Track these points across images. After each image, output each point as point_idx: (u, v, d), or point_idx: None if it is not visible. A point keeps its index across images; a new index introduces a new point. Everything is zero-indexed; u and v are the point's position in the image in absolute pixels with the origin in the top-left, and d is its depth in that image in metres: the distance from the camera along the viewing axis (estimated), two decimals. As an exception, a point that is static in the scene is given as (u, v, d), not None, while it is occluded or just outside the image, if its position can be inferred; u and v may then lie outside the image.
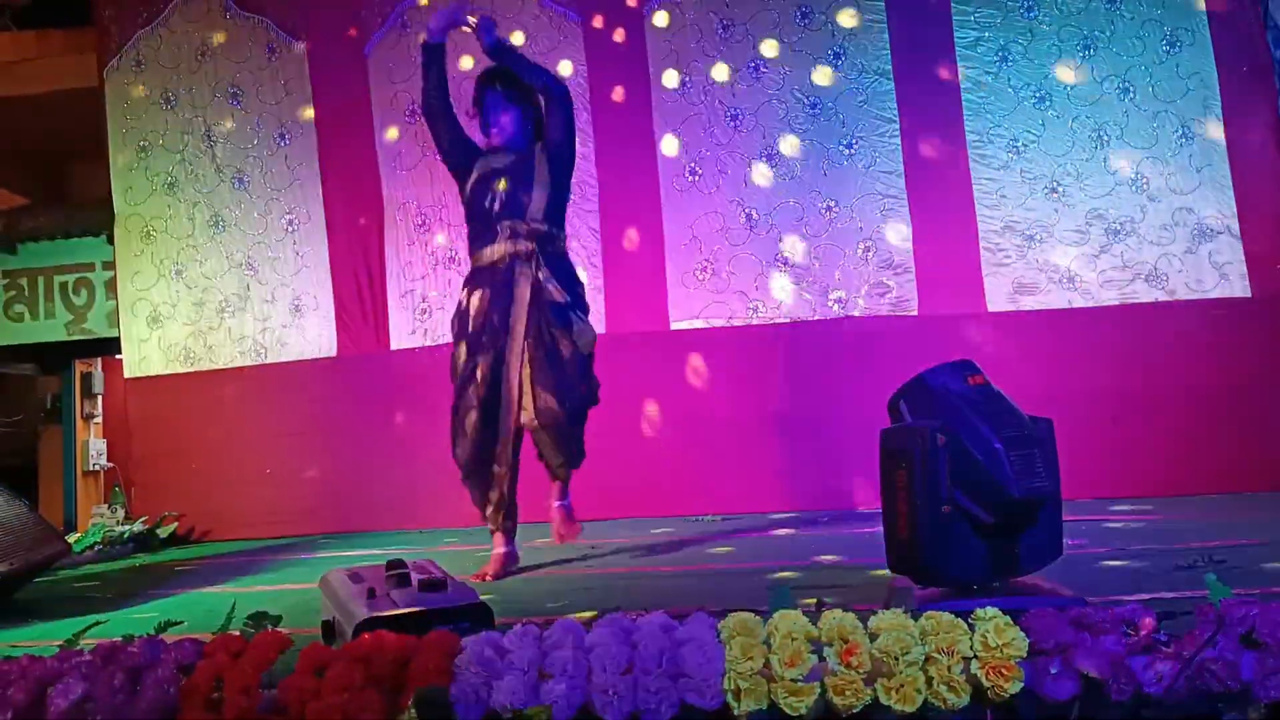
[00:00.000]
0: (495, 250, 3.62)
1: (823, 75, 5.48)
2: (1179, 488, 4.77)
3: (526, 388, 3.56)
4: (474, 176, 3.73)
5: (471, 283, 3.70)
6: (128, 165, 6.16)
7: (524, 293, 3.56)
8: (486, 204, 3.65)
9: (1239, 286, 5.08)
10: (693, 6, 5.61)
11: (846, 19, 5.47)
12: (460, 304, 3.73)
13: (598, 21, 5.71)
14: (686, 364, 5.43)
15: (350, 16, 5.98)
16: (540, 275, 3.57)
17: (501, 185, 3.64)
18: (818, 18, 5.50)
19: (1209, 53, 5.20)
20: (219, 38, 6.11)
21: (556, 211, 3.71)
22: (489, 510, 3.66)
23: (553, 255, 3.66)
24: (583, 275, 4.11)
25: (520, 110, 3.74)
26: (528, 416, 3.57)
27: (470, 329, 3.64)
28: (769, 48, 5.52)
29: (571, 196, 3.92)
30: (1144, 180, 5.20)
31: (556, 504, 3.81)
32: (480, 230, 3.68)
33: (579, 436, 3.74)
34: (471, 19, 3.73)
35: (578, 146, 3.90)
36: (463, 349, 3.67)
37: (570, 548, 3.97)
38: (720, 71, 5.56)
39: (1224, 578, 2.00)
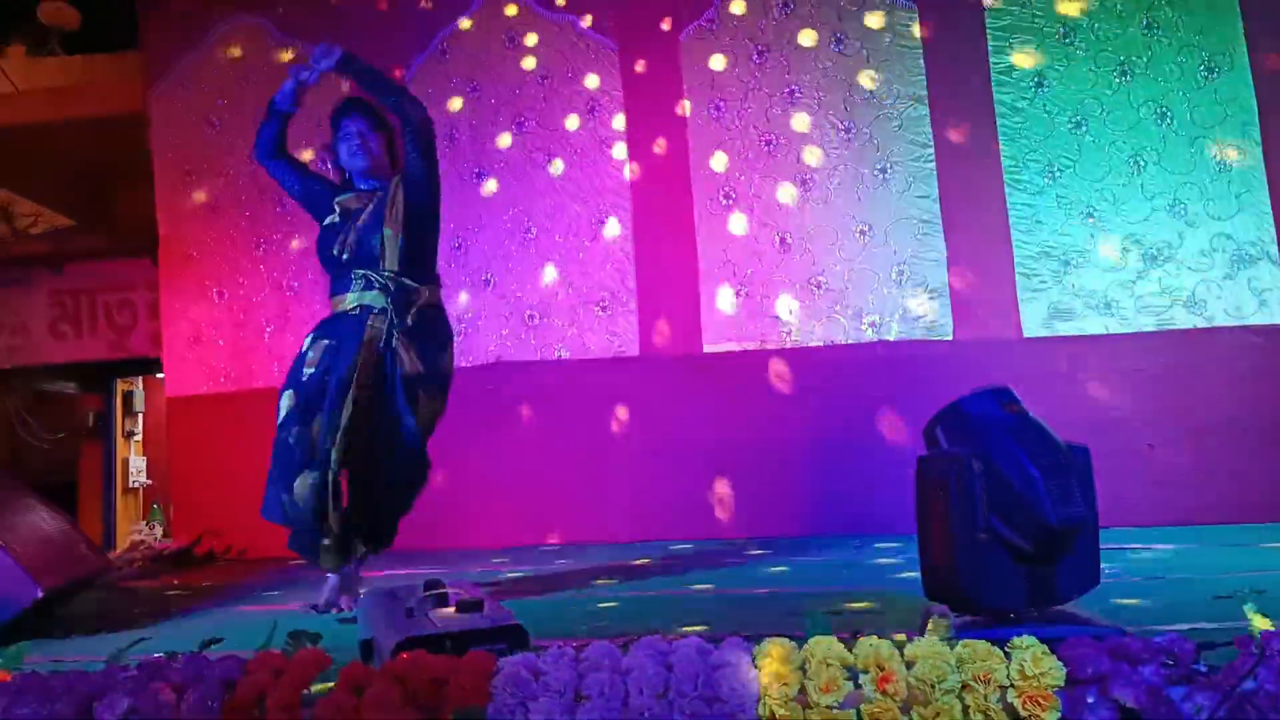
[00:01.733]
0: (345, 300, 3.31)
1: (857, 100, 5.50)
2: (1218, 516, 4.72)
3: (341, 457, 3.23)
4: (327, 220, 3.40)
5: (318, 329, 3.37)
6: (172, 188, 6.27)
7: (367, 356, 3.24)
8: (335, 251, 3.31)
9: (1278, 313, 5.03)
10: (727, 32, 5.66)
11: (881, 44, 5.50)
12: (302, 347, 3.37)
13: (633, 48, 5.76)
14: (719, 387, 5.43)
15: (390, 43, 6.07)
16: (394, 337, 3.25)
17: (353, 229, 3.31)
18: (852, 43, 5.53)
19: (1248, 79, 5.18)
20: (262, 63, 6.21)
21: (419, 257, 3.35)
22: (323, 555, 3.37)
23: (415, 311, 3.30)
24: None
25: (377, 140, 3.43)
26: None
27: (301, 379, 3.30)
28: (804, 73, 5.55)
29: (440, 241, 3.58)
30: (1182, 206, 5.17)
31: (348, 570, 3.41)
32: (335, 278, 3.36)
33: (394, 519, 3.45)
34: (307, 69, 3.43)
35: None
36: (287, 399, 3.31)
37: (605, 568, 3.97)
38: (755, 96, 5.59)
39: (1264, 608, 1.98)
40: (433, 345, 3.35)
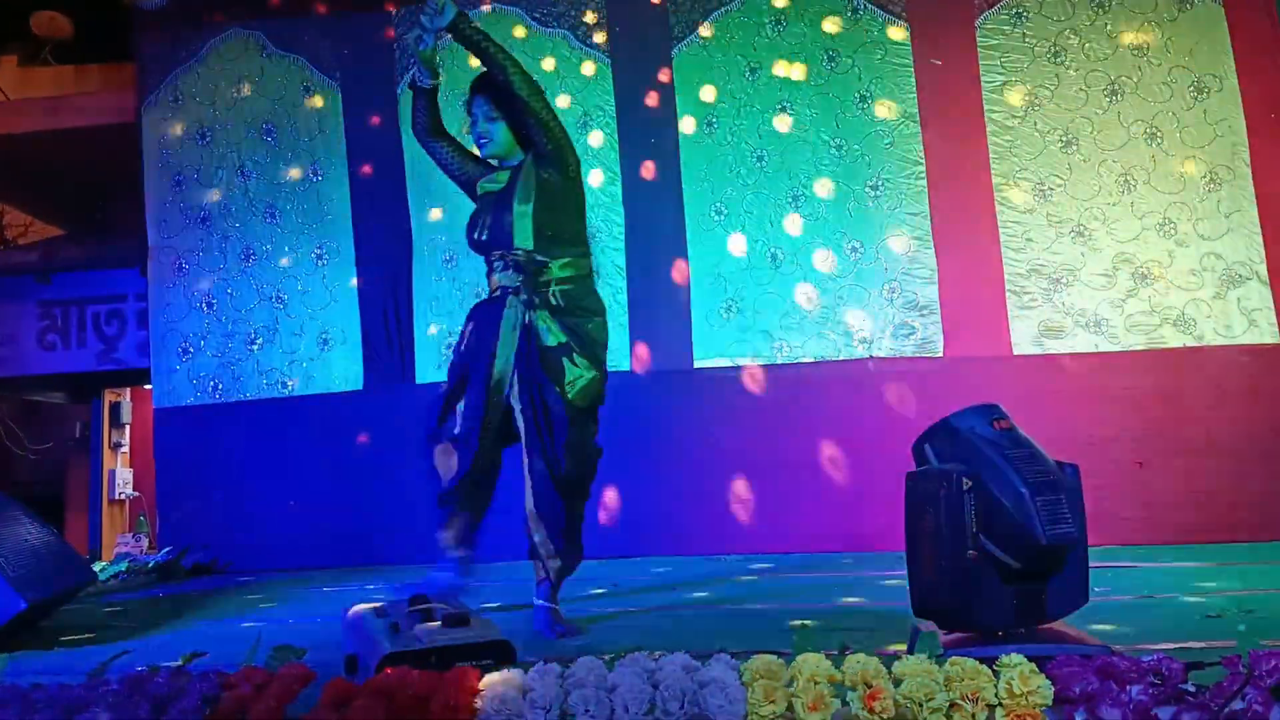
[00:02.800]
0: (491, 282, 3.26)
1: (848, 117, 5.52)
2: (1207, 535, 4.73)
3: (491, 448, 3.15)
4: (478, 203, 3.35)
5: (468, 315, 3.34)
6: (162, 198, 6.26)
7: (511, 335, 3.14)
8: (475, 234, 3.27)
9: (1268, 332, 5.05)
10: (720, 49, 5.68)
11: (873, 61, 5.52)
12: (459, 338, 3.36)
13: (627, 62, 5.78)
14: (710, 402, 5.42)
15: (383, 56, 6.08)
16: (530, 314, 3.14)
17: (489, 211, 3.25)
18: (844, 61, 5.55)
19: (1237, 99, 5.21)
20: (255, 75, 6.22)
21: (556, 233, 3.21)
22: (447, 528, 3.35)
23: (554, 287, 3.17)
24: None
25: (500, 122, 3.27)
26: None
27: (452, 364, 3.32)
28: (796, 90, 5.57)
29: (590, 223, 3.47)
30: (1171, 225, 5.19)
31: (541, 603, 3.17)
32: (485, 263, 3.31)
33: (576, 521, 3.19)
34: (420, 37, 3.28)
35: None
36: (446, 385, 3.30)
37: (593, 584, 3.96)
38: (747, 113, 5.61)
39: (1253, 628, 1.97)
40: (577, 317, 3.19)
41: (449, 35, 3.18)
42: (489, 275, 3.27)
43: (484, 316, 3.22)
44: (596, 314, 3.25)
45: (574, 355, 3.12)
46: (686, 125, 5.67)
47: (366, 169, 6.04)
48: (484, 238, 3.23)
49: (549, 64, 5.85)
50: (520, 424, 3.14)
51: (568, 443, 3.08)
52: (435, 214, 5.89)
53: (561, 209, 3.23)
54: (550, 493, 3.10)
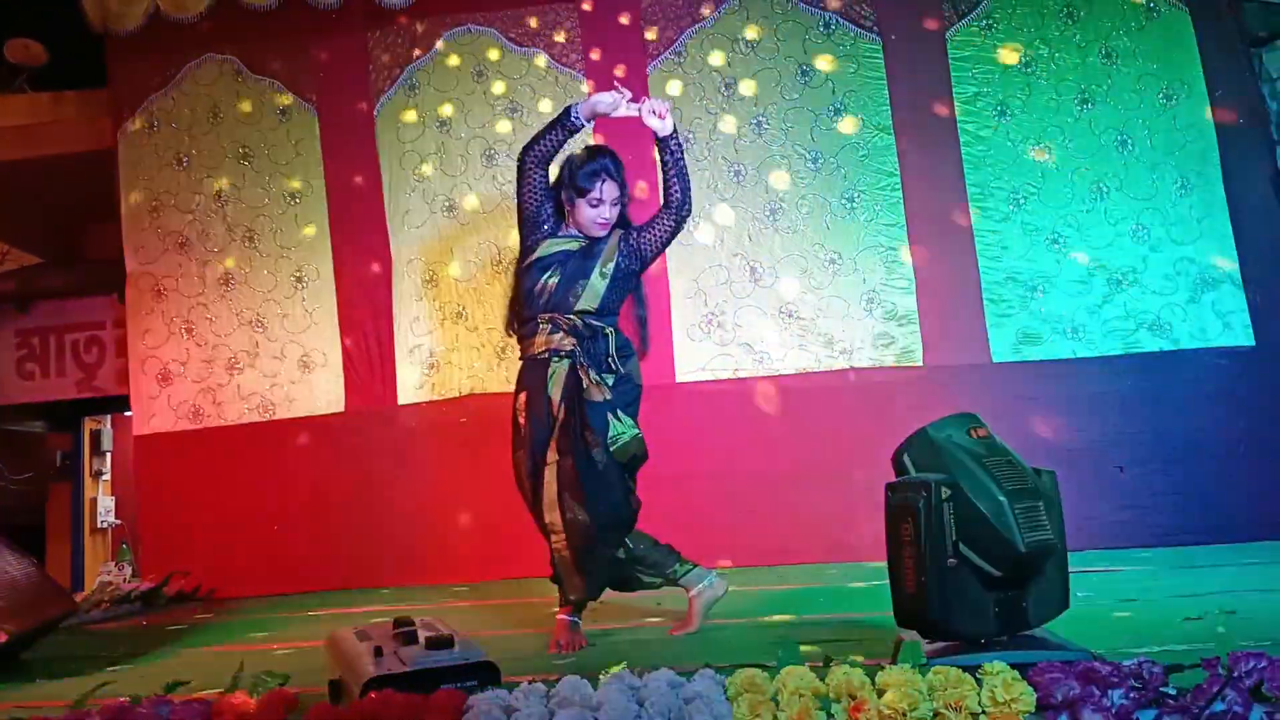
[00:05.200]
0: (536, 343, 3.35)
1: (823, 130, 5.56)
2: (1187, 538, 4.76)
3: (553, 501, 3.25)
4: (538, 253, 3.38)
5: (520, 381, 3.42)
6: (139, 225, 6.23)
7: (557, 392, 3.28)
8: (534, 289, 3.34)
9: (1243, 335, 5.10)
10: (695, 65, 5.71)
11: (847, 76, 5.56)
12: (514, 405, 3.42)
13: (602, 80, 5.80)
14: (692, 417, 5.43)
15: (359, 78, 6.09)
16: (580, 373, 3.26)
17: (558, 272, 3.32)
18: (818, 74, 5.59)
19: (1206, 105, 5.28)
20: (231, 100, 6.21)
21: (612, 307, 3.37)
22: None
23: (599, 347, 3.31)
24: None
25: (621, 205, 3.40)
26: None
27: (520, 433, 3.38)
28: (770, 105, 5.61)
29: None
30: (1144, 231, 5.25)
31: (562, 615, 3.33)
32: (527, 319, 3.39)
33: (605, 560, 3.32)
34: (620, 101, 3.40)
35: None
36: (520, 456, 3.38)
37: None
38: (723, 127, 5.65)
39: (1233, 630, 1.99)
40: (621, 379, 3.34)
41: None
42: (538, 333, 3.35)
43: (532, 380, 3.34)
44: (635, 379, 3.39)
45: (618, 413, 3.27)
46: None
47: (344, 191, 6.04)
48: (543, 298, 3.32)
49: (525, 84, 5.87)
50: (553, 478, 3.25)
51: (609, 496, 3.26)
52: (414, 234, 5.89)
53: (626, 290, 3.40)
54: (587, 532, 3.24)
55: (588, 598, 3.33)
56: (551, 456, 3.25)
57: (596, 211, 3.33)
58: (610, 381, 3.28)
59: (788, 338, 5.45)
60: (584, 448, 3.23)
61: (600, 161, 3.35)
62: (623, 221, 3.43)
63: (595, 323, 3.30)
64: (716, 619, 3.59)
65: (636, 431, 3.31)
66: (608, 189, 3.32)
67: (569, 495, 3.22)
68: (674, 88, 5.71)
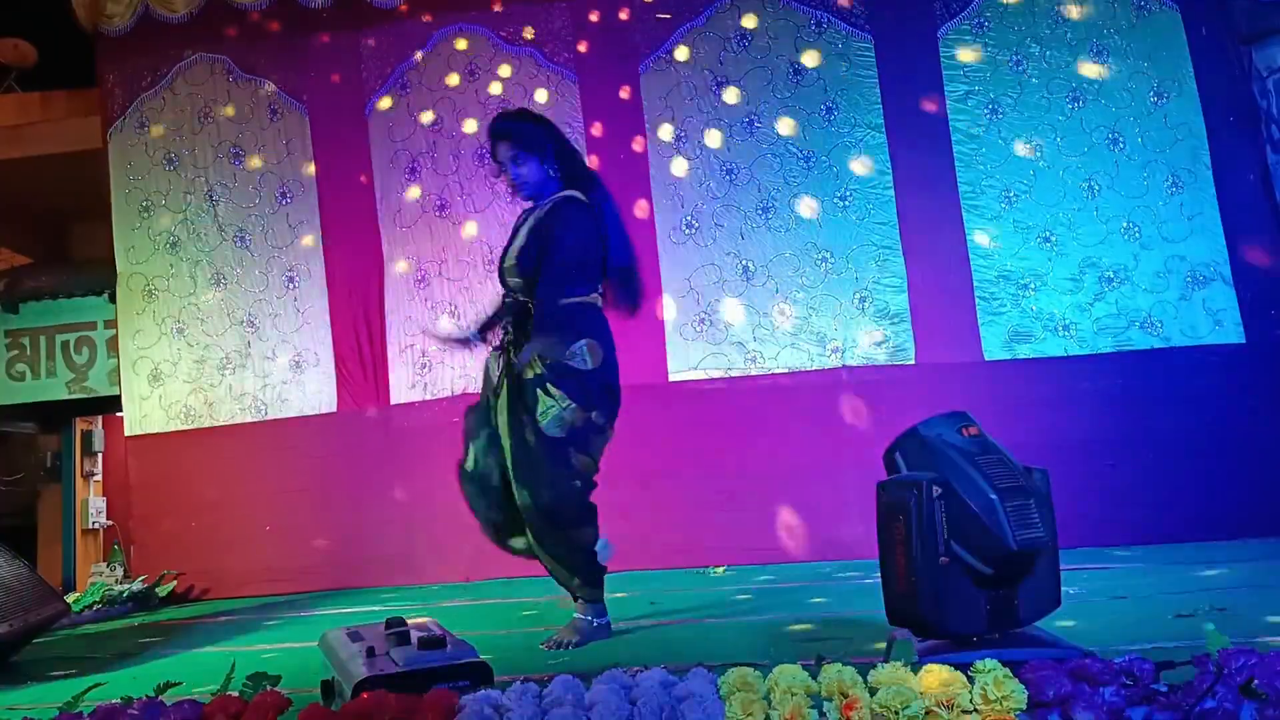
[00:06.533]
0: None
1: (816, 129, 5.56)
2: (1178, 535, 4.77)
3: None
4: None
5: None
6: (130, 225, 6.22)
7: (496, 369, 3.23)
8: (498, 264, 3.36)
9: (1233, 332, 5.11)
10: (687, 65, 5.71)
11: (838, 75, 5.57)
12: None
13: (594, 81, 5.80)
14: (685, 415, 5.43)
15: (350, 78, 6.08)
16: (515, 348, 3.18)
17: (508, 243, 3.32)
18: (810, 73, 5.60)
19: (1196, 103, 5.29)
20: (221, 100, 6.20)
21: (547, 269, 3.17)
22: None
23: (542, 319, 3.16)
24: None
25: (536, 160, 3.26)
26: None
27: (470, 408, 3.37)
28: (763, 104, 5.61)
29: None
30: (1135, 229, 5.26)
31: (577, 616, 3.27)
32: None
33: (577, 542, 3.20)
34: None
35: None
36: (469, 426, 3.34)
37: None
38: (715, 127, 5.65)
39: (1224, 626, 2.00)
40: (562, 343, 3.14)
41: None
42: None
43: (492, 354, 3.31)
44: (572, 346, 3.14)
45: (550, 384, 3.11)
46: (655, 141, 5.69)
47: (336, 190, 6.03)
48: (497, 268, 3.35)
49: (516, 83, 5.86)
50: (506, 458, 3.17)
51: (544, 473, 3.11)
52: (406, 233, 5.88)
53: (554, 258, 3.17)
54: (539, 523, 3.15)
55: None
56: (500, 441, 3.19)
57: (505, 178, 3.32)
58: (549, 352, 3.12)
59: (780, 336, 5.45)
60: (521, 428, 3.13)
61: (489, 130, 3.33)
62: (584, 185, 3.30)
63: (520, 298, 3.23)
64: (709, 618, 3.59)
65: (569, 404, 3.10)
66: (500, 151, 3.28)
67: (518, 481, 3.14)
68: (665, 86, 5.71)
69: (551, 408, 3.10)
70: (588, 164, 3.38)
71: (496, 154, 3.31)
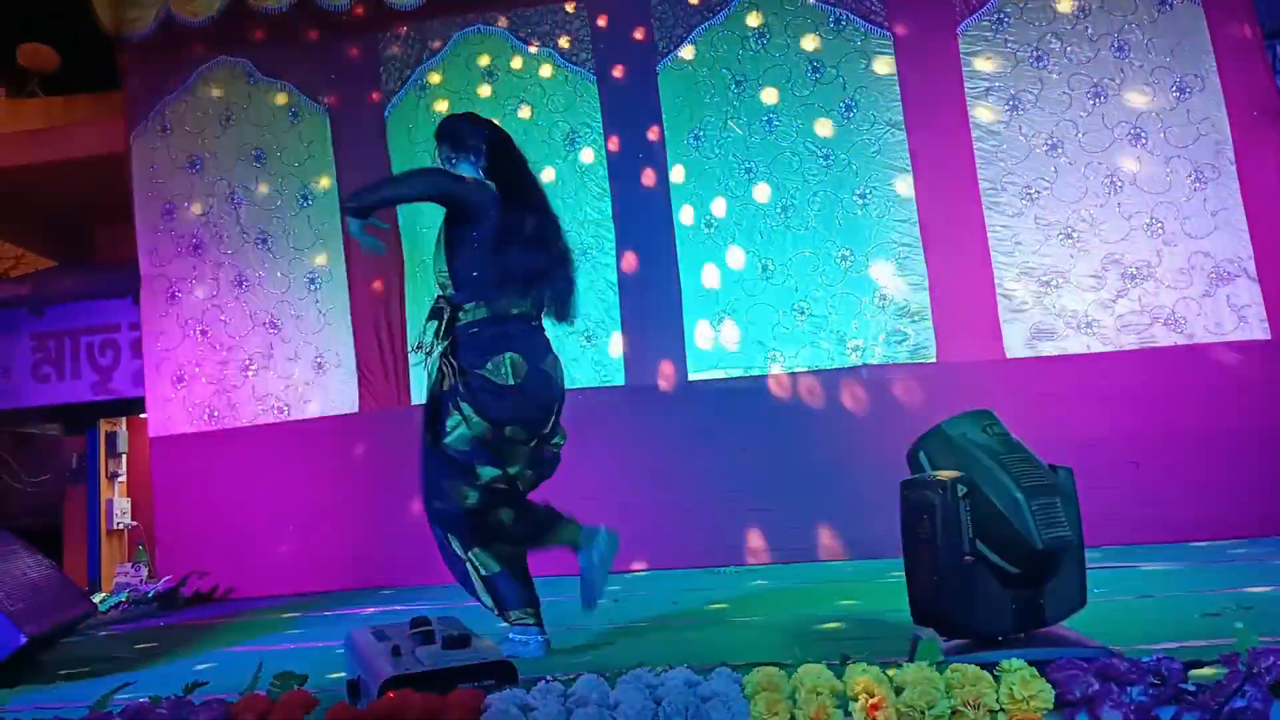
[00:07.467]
0: None
1: (835, 127, 5.55)
2: (1204, 532, 4.73)
3: None
4: None
5: None
6: (153, 228, 6.27)
7: (430, 376, 3.13)
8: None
9: (1259, 329, 5.06)
10: (705, 63, 5.71)
11: (858, 72, 5.55)
12: None
13: (612, 79, 5.81)
14: (705, 415, 5.43)
15: (370, 80, 6.11)
16: (436, 355, 3.08)
17: None
18: (829, 71, 5.58)
19: (1219, 98, 5.24)
20: (243, 102, 6.24)
21: (457, 278, 3.09)
22: None
23: (464, 328, 3.04)
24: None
25: (468, 162, 3.23)
26: None
27: None
28: (781, 102, 5.60)
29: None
30: (1159, 225, 5.22)
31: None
32: None
33: (458, 559, 3.12)
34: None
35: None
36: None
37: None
38: (733, 125, 5.64)
39: (1252, 625, 1.98)
40: (480, 355, 2.99)
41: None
42: None
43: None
44: (490, 356, 2.99)
45: (459, 398, 2.98)
46: (673, 141, 5.69)
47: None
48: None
49: (535, 83, 5.88)
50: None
51: (435, 481, 3.08)
52: (426, 234, 5.90)
53: (463, 257, 3.09)
54: (439, 538, 3.13)
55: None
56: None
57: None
58: (465, 362, 3.00)
59: (800, 335, 5.44)
60: (424, 433, 3.07)
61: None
62: (520, 193, 3.17)
63: (439, 304, 3.12)
64: (733, 617, 3.59)
65: (477, 421, 2.95)
66: (439, 152, 3.28)
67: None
68: (684, 85, 5.71)
69: (459, 424, 2.98)
70: (532, 172, 3.26)
71: (437, 154, 3.28)
